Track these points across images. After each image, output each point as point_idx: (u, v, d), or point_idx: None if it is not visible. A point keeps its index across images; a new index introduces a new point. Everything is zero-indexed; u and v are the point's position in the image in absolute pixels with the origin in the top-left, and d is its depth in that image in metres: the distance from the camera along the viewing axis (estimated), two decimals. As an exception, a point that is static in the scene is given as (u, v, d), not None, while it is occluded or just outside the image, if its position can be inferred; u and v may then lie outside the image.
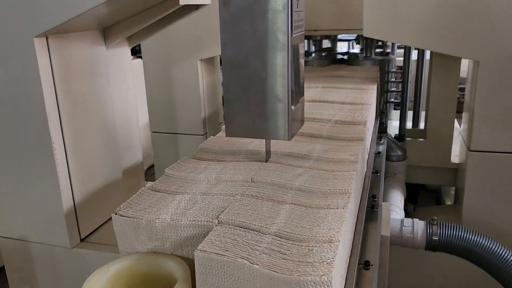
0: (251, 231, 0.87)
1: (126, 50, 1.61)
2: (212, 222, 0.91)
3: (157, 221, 0.93)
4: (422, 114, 2.88)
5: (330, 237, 0.83)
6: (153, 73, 2.37)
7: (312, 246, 0.81)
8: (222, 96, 2.61)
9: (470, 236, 1.80)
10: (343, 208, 0.95)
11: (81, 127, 1.34)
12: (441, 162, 2.53)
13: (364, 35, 2.12)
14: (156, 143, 2.51)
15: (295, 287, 0.73)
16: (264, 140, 1.23)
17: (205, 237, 0.91)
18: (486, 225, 2.17)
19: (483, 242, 1.74)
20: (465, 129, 2.29)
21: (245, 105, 1.15)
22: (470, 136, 2.13)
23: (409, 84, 2.78)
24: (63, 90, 1.24)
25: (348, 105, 1.80)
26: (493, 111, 2.04)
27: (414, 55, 2.84)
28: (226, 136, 1.20)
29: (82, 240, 1.41)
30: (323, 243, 0.82)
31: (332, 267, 0.75)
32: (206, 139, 2.65)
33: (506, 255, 1.77)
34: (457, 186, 2.48)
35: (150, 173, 4.36)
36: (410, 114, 3.00)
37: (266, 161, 1.24)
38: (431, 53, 2.58)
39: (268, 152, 1.26)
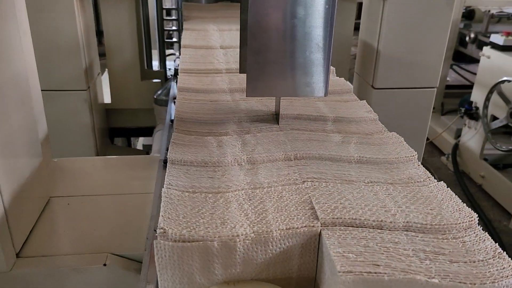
0: (373, 229, 0.68)
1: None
2: (313, 226, 0.68)
3: (237, 239, 0.65)
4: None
5: (469, 222, 0.70)
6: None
7: (460, 237, 0.67)
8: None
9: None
10: (429, 179, 0.82)
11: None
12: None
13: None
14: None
15: (488, 295, 0.59)
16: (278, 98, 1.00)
17: (302, 248, 0.68)
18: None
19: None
20: (362, 67, 2.35)
21: (274, 56, 0.89)
22: (374, 75, 2.20)
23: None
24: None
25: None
26: (398, 49, 2.12)
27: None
28: (247, 96, 0.92)
29: (17, 255, 0.97)
30: (465, 230, 0.69)
31: (506, 259, 0.63)
32: (90, 94, 2.14)
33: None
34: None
35: None
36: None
37: (278, 124, 1.02)
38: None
39: (278, 114, 1.03)
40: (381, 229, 0.68)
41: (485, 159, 3.48)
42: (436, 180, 0.82)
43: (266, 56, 0.90)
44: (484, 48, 3.41)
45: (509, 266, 0.61)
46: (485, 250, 0.64)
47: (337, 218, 0.69)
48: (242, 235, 0.66)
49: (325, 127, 1.02)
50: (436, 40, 2.12)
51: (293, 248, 0.68)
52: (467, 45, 4.01)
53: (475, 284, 0.58)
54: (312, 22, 0.88)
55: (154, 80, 2.48)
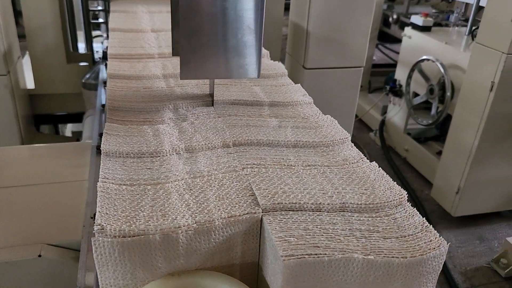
0: (313, 212, 0.70)
1: None
2: (254, 212, 0.69)
3: (179, 231, 0.65)
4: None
5: (399, 199, 0.74)
6: None
7: (392, 214, 0.72)
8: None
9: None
10: (362, 160, 0.86)
11: None
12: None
13: None
14: None
15: (417, 267, 0.64)
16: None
17: (245, 234, 0.69)
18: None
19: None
20: (293, 47, 2.39)
21: (207, 39, 0.88)
22: (305, 55, 2.25)
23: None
24: None
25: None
26: (326, 30, 2.17)
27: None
28: (181, 79, 0.91)
29: None
30: (396, 207, 0.73)
31: (432, 232, 0.68)
32: (11, 79, 1.96)
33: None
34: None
35: None
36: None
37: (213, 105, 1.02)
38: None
39: (213, 96, 1.03)
40: (320, 211, 0.71)
41: (408, 134, 3.70)
42: (368, 161, 0.86)
43: (199, 39, 0.89)
44: (406, 28, 3.59)
45: (436, 238, 0.66)
46: (414, 225, 0.69)
47: (277, 203, 0.71)
48: (184, 226, 0.65)
49: (262, 112, 1.03)
50: (361, 21, 2.20)
51: (235, 235, 0.69)
52: (390, 25, 4.19)
53: (406, 257, 0.63)
54: (243, 5, 0.88)
55: (81, 63, 2.35)
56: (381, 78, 4.37)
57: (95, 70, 2.20)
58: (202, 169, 0.80)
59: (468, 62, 2.75)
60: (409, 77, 3.45)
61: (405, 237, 0.67)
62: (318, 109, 1.06)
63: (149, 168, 0.79)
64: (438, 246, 0.65)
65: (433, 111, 3.22)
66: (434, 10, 4.13)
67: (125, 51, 1.34)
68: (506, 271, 2.59)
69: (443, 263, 0.66)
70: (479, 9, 3.19)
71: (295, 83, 1.20)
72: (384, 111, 4.05)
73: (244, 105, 1.06)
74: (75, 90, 2.31)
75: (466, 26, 3.41)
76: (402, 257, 0.63)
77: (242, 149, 0.87)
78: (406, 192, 0.76)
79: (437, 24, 3.62)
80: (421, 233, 0.67)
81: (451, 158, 2.94)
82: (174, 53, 1.08)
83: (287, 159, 0.84)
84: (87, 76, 2.19)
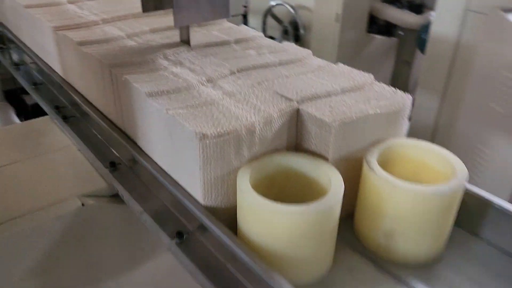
0: (326, 97, 1.00)
1: None
2: (291, 105, 0.96)
3: (256, 125, 0.88)
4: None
5: (371, 80, 1.08)
6: None
7: (372, 89, 1.05)
8: None
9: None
10: (329, 64, 1.18)
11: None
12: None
13: None
14: None
15: (402, 113, 0.99)
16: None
17: (289, 122, 0.96)
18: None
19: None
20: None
21: None
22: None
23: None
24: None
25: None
26: None
27: None
28: (175, 26, 1.14)
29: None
30: (371, 85, 1.07)
31: (399, 93, 1.04)
32: None
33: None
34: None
35: None
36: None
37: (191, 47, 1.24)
38: None
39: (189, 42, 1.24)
40: (330, 96, 1.01)
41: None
42: (333, 64, 1.18)
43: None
44: (249, -20, 3.96)
45: (404, 94, 1.02)
46: (389, 92, 1.04)
47: (302, 97, 0.98)
48: (256, 121, 0.89)
49: (235, 48, 1.26)
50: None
51: (284, 124, 0.95)
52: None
53: (398, 108, 0.97)
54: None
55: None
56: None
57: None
58: (230, 90, 1.02)
59: (309, 1, 3.26)
60: (264, 22, 3.87)
61: (388, 98, 1.01)
62: (269, 38, 1.33)
63: (193, 97, 0.98)
64: (408, 99, 1.01)
65: (291, 49, 3.71)
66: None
67: (67, 22, 1.38)
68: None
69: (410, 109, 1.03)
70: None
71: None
72: (244, 59, 4.44)
73: (216, 45, 1.27)
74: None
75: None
76: (395, 108, 0.97)
77: (245, 74, 1.10)
78: (372, 75, 1.10)
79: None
80: (396, 95, 1.03)
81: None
82: (144, 10, 1.22)
83: (282, 73, 1.11)
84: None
